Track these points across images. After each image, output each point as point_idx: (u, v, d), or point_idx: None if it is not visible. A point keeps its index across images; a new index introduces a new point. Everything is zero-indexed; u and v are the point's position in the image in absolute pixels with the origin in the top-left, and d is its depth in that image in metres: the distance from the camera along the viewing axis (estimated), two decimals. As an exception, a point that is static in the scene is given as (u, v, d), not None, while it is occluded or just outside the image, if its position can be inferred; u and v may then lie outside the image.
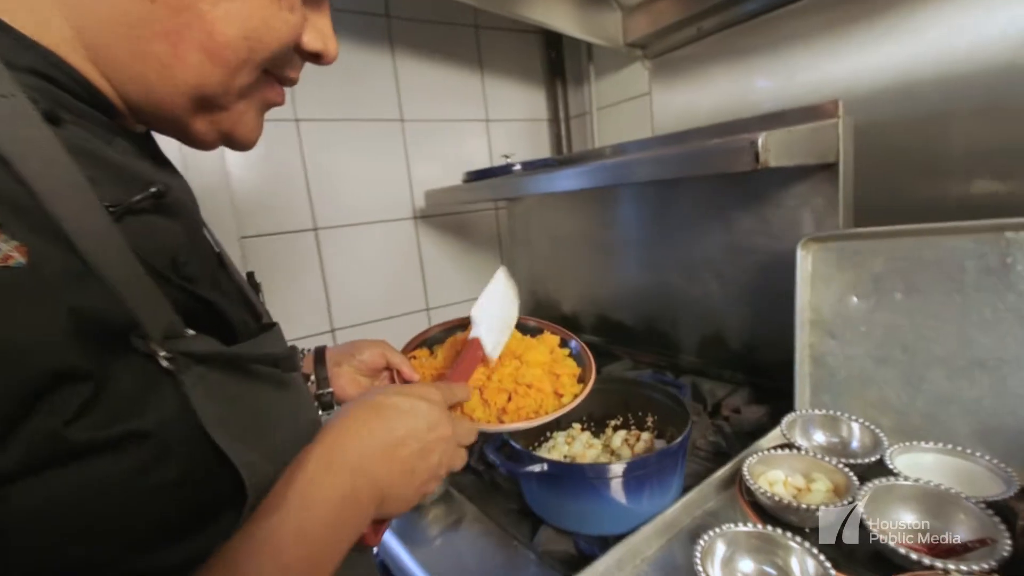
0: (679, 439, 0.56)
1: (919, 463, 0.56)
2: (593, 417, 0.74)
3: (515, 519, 0.62)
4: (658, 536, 0.53)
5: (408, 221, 1.21)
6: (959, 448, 0.56)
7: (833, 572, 0.41)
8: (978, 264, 0.58)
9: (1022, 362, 0.55)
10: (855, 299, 0.66)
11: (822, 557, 0.42)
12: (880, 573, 0.43)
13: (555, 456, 0.68)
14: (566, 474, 0.54)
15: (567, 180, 0.83)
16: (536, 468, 0.53)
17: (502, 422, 0.55)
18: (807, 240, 0.70)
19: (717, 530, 0.46)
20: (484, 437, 0.69)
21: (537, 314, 1.29)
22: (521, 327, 0.66)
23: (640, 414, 0.72)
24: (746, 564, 0.46)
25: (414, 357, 0.64)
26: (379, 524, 0.34)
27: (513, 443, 0.58)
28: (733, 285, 0.86)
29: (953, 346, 0.60)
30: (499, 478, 0.70)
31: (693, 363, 0.95)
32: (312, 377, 0.54)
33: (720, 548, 0.46)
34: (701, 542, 0.45)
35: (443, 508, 0.66)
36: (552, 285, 1.25)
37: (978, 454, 0.54)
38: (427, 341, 0.69)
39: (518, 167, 1.07)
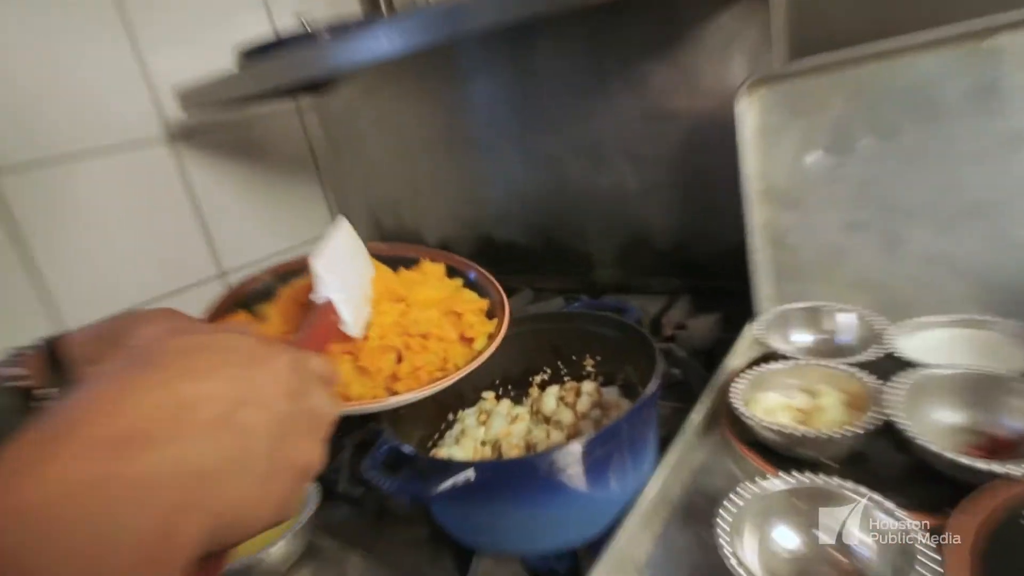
0: (651, 385, 0.48)
1: (928, 344, 0.54)
2: (510, 377, 0.67)
3: (429, 555, 0.53)
4: (647, 527, 0.46)
5: (160, 145, 0.96)
6: (968, 316, 0.54)
7: (916, 528, 0.35)
8: (959, 85, 0.55)
9: (1017, 201, 0.54)
10: (814, 155, 0.62)
11: (896, 510, 0.37)
12: (940, 494, 0.39)
13: (469, 446, 0.59)
14: (503, 477, 0.44)
15: (408, 35, 0.65)
16: (459, 480, 0.41)
17: (395, 393, 0.48)
18: (752, 83, 0.64)
19: (736, 500, 0.39)
20: (356, 448, 0.63)
21: (390, 253, 1.18)
22: (391, 260, 0.59)
23: (574, 359, 0.65)
24: (785, 535, 0.39)
25: None
26: (210, 565, 0.26)
27: (404, 448, 0.46)
28: (651, 166, 0.81)
29: (937, 193, 0.58)
30: (387, 499, 0.59)
31: (612, 278, 0.92)
32: (47, 393, 0.40)
33: (748, 523, 0.39)
34: (721, 525, 0.38)
35: (309, 571, 0.54)
36: (405, 209, 1.14)
37: (988, 318, 0.53)
38: (247, 299, 0.57)
39: (325, 34, 0.84)
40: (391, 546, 0.55)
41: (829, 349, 0.59)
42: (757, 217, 0.65)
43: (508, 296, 0.95)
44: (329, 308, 0.45)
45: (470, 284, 0.62)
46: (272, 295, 0.57)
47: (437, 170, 1.05)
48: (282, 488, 0.27)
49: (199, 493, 0.23)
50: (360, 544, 0.55)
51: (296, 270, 0.59)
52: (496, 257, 1.05)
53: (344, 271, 0.49)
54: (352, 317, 0.47)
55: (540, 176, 0.93)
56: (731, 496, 0.39)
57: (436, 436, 0.61)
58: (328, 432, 0.31)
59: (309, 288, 0.52)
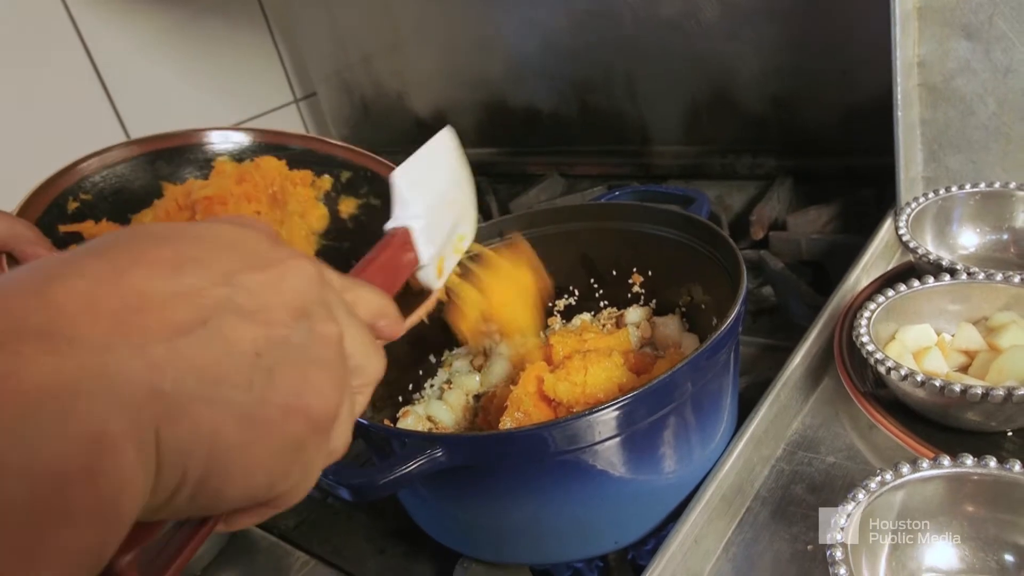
0: (732, 314, 0.45)
1: None
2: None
3: (399, 560, 0.54)
4: (716, 529, 0.45)
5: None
6: None
7: None
8: None
9: None
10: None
11: None
12: None
13: (458, 402, 0.59)
14: (491, 459, 0.43)
15: None
16: (418, 467, 0.40)
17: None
18: None
19: (861, 496, 0.38)
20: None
21: (371, 124, 1.20)
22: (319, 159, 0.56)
23: (615, 274, 0.65)
24: (944, 556, 0.38)
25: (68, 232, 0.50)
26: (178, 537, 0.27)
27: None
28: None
29: None
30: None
31: (677, 156, 0.90)
32: None
33: (881, 533, 0.38)
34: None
35: (234, 574, 0.56)
36: (383, 67, 1.13)
37: None
38: (92, 194, 0.51)
39: None
40: (348, 544, 0.55)
41: (1014, 257, 0.58)
42: (910, 51, 0.61)
43: (527, 187, 1.00)
44: (403, 240, 0.45)
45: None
46: (146, 199, 0.51)
47: (427, 6, 1.02)
48: (277, 437, 0.27)
49: (145, 415, 0.23)
50: (306, 539, 0.56)
51: (184, 148, 0.54)
52: (512, 130, 1.03)
53: (435, 198, 0.49)
54: (429, 256, 0.47)
55: (575, 6, 0.90)
56: (854, 489, 0.38)
57: (411, 388, 0.62)
58: (368, 387, 0.32)
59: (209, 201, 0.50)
